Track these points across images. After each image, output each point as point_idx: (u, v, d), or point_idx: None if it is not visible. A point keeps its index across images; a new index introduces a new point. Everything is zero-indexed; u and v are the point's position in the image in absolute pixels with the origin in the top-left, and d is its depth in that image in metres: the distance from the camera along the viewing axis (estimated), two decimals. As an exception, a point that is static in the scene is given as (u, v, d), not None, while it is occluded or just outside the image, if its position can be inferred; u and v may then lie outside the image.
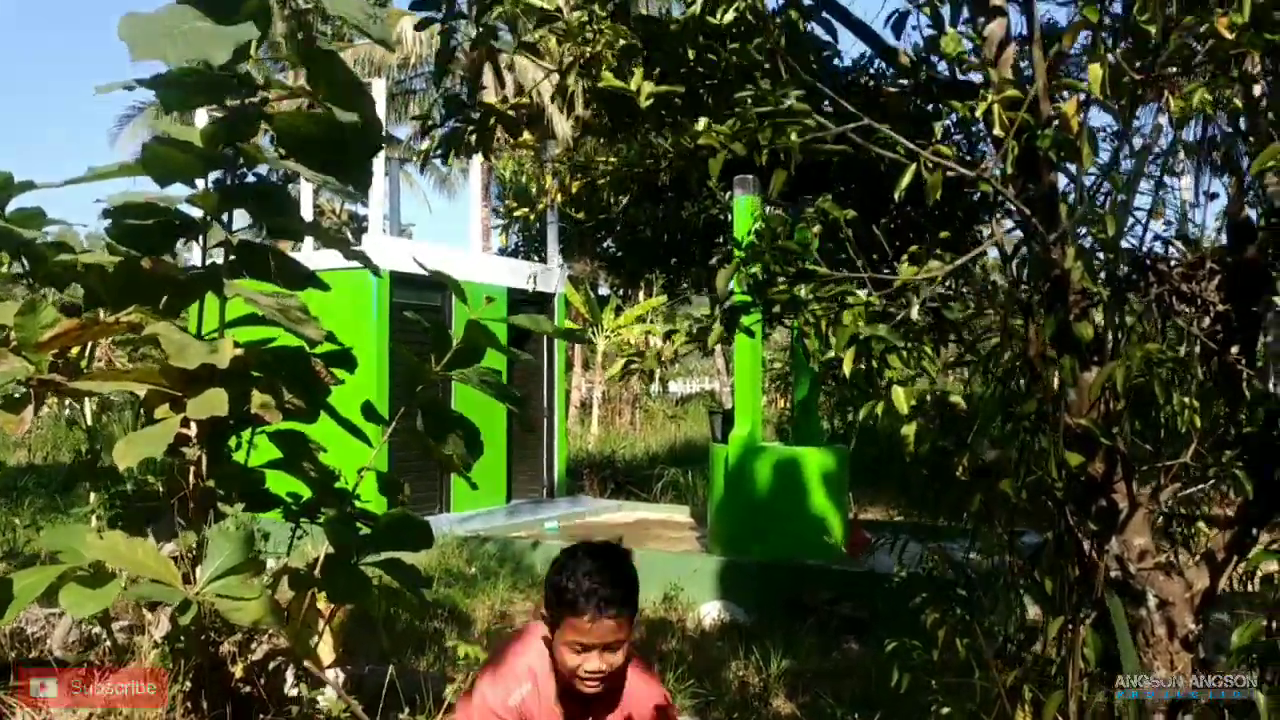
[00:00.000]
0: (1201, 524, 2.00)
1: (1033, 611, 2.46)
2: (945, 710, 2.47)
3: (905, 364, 1.92)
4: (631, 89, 2.10)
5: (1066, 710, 2.06)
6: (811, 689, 5.50)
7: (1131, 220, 2.34)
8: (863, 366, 1.96)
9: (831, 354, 1.88)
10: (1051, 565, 2.11)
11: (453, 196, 30.31)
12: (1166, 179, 2.48)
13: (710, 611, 7.37)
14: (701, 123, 1.83)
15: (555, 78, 2.82)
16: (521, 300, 11.72)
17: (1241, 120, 2.02)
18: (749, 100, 1.82)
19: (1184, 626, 1.94)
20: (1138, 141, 2.48)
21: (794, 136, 1.82)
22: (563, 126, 17.30)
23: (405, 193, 24.36)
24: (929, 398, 1.91)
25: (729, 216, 8.73)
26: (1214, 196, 2.43)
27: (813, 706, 5.16)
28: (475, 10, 2.62)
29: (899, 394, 1.90)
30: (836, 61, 2.56)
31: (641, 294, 24.52)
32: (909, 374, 1.92)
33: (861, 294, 1.91)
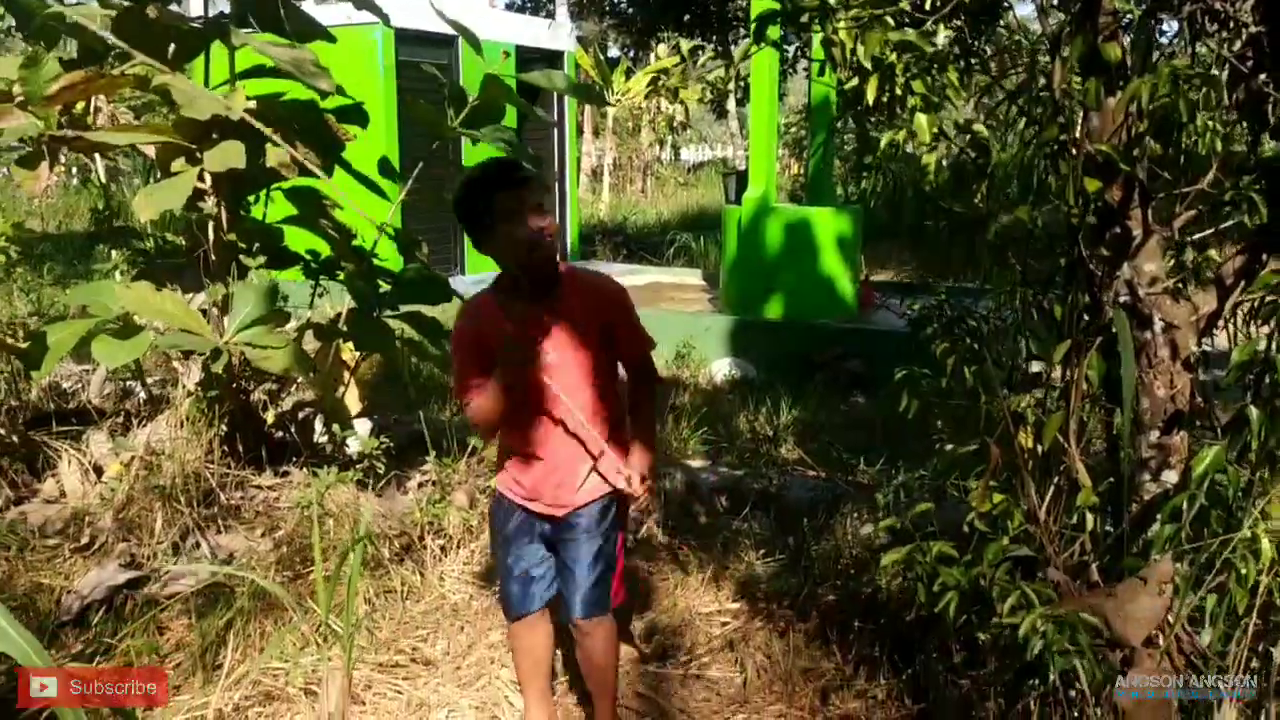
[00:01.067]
0: (1213, 252, 2.03)
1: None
2: (949, 446, 2.57)
3: (930, 90, 1.91)
4: None
5: (1067, 430, 2.17)
6: (819, 437, 5.73)
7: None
8: (887, 91, 1.94)
9: (854, 83, 1.86)
10: (1062, 292, 2.16)
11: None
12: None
13: (721, 368, 7.58)
14: None
15: None
16: (530, 59, 11.40)
17: None
18: None
19: (1186, 348, 2.01)
20: None
21: None
22: None
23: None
24: (953, 125, 1.91)
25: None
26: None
27: (820, 451, 5.38)
28: None
29: (921, 120, 1.89)
30: None
31: (653, 56, 23.77)
32: (933, 99, 1.91)
33: (890, 21, 1.87)
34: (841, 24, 1.81)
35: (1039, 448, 2.28)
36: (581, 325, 2.59)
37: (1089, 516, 2.16)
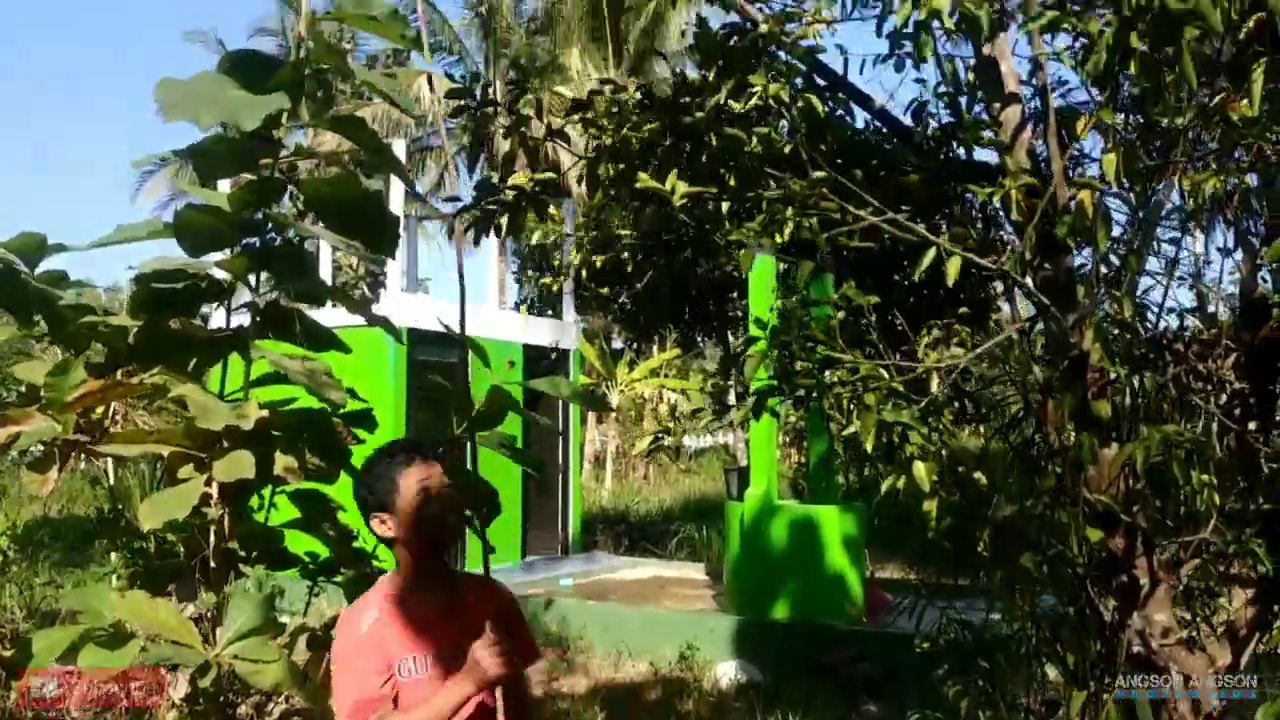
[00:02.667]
0: (1222, 600, 2.01)
1: (1053, 675, 2.46)
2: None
3: (926, 439, 1.95)
4: (666, 189, 2.17)
5: (1090, 786, 2.06)
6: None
7: (1148, 284, 2.38)
8: (884, 440, 1.99)
9: (852, 429, 1.92)
10: (1074, 639, 2.12)
11: (467, 251, 30.58)
12: (1180, 240, 2.52)
13: (727, 671, 7.33)
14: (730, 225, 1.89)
15: (575, 146, 2.90)
16: (537, 355, 11.79)
17: (1252, 200, 2.07)
18: (774, 200, 1.88)
19: (1208, 703, 1.95)
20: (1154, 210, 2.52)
21: (820, 231, 1.87)
22: (578, 189, 17.49)
23: (420, 246, 24.56)
24: (949, 474, 1.94)
25: (742, 274, 8.80)
26: (1229, 253, 2.46)
27: (831, 771, 5.11)
28: (508, 99, 2.70)
29: (920, 469, 1.93)
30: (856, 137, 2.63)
31: (655, 347, 24.59)
32: (930, 448, 1.95)
33: (884, 374, 1.95)
34: (841, 391, 1.88)
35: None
36: (484, 627, 2.44)
37: None
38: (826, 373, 1.89)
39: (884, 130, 2.52)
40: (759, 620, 7.96)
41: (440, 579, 2.51)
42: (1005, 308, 2.68)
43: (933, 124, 2.58)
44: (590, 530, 13.96)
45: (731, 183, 2.21)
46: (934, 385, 2.04)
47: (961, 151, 2.39)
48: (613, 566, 11.35)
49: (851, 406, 1.87)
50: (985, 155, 2.67)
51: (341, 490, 4.62)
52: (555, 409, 12.26)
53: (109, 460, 8.93)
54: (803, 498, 9.76)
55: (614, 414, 22.51)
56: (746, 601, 8.26)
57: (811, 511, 8.34)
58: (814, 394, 1.92)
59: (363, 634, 2.45)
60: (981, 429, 2.64)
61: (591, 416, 21.94)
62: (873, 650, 7.20)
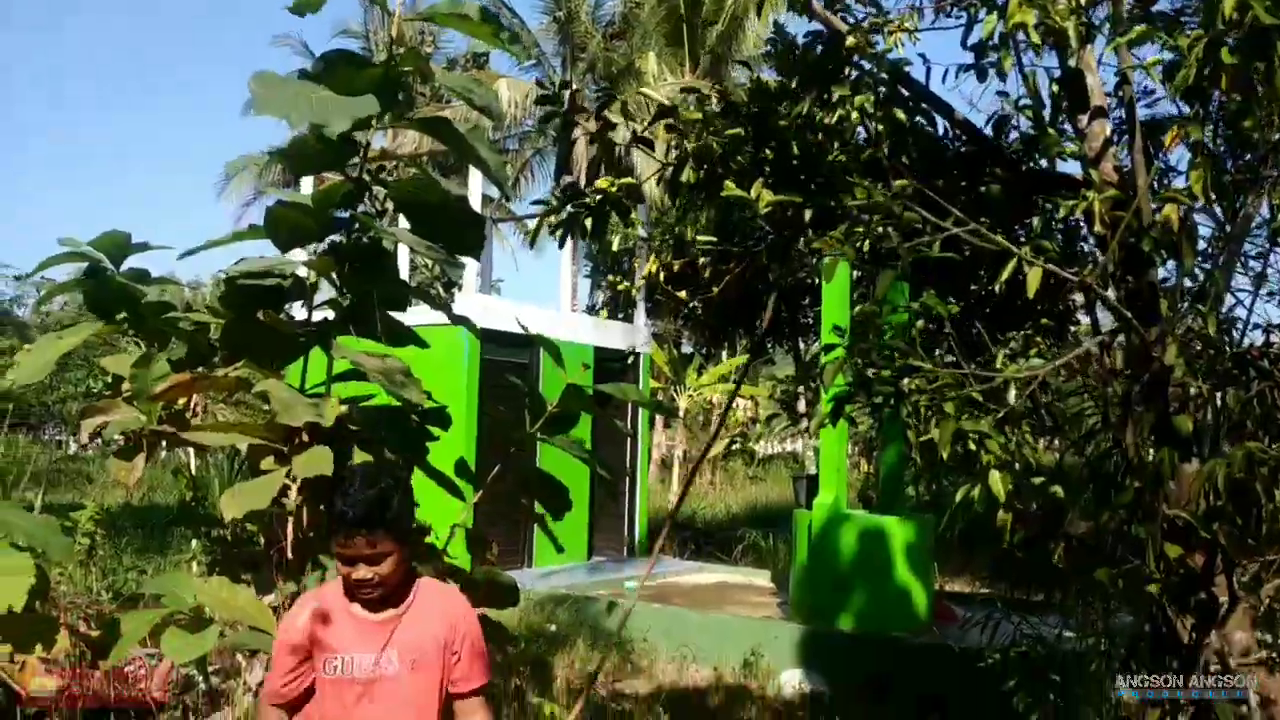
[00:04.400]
0: (1306, 622, 1.97)
1: (1125, 695, 2.43)
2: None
3: (1003, 450, 1.94)
4: (751, 197, 2.19)
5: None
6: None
7: (1233, 299, 2.34)
8: (960, 449, 1.98)
9: (930, 437, 1.91)
10: (1150, 657, 2.09)
11: (539, 253, 30.87)
12: (1267, 255, 2.47)
13: (791, 680, 7.30)
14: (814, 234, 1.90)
15: (656, 152, 2.94)
16: (608, 358, 11.86)
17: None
18: (858, 209, 1.89)
19: (1287, 726, 1.91)
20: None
21: (902, 241, 1.88)
22: (652, 194, 17.56)
23: (495, 249, 24.83)
24: (1025, 486, 1.93)
25: (815, 280, 8.76)
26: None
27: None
28: (594, 105, 2.75)
29: (996, 479, 1.92)
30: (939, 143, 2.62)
31: (724, 352, 24.54)
32: (1005, 458, 1.94)
33: (962, 383, 1.94)
34: (919, 400, 1.89)
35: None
36: (427, 643, 2.52)
37: None
38: (904, 380, 1.89)
39: (965, 139, 2.52)
40: (824, 629, 7.91)
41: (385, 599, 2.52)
42: (1085, 320, 2.66)
43: (1014, 135, 2.57)
44: (655, 534, 13.98)
45: (813, 190, 2.22)
46: (1011, 396, 2.03)
47: (1044, 163, 2.37)
48: (678, 570, 11.37)
49: (929, 414, 1.87)
50: (1066, 166, 2.65)
51: (416, 485, 4.71)
52: (623, 412, 12.33)
53: (191, 452, 9.22)
54: (871, 508, 9.67)
55: (682, 419, 22.52)
56: (812, 610, 8.22)
57: (880, 521, 8.27)
58: (891, 401, 1.93)
59: (298, 626, 2.54)
60: (1058, 442, 2.62)
61: (659, 422, 21.97)
62: (939, 664, 7.12)
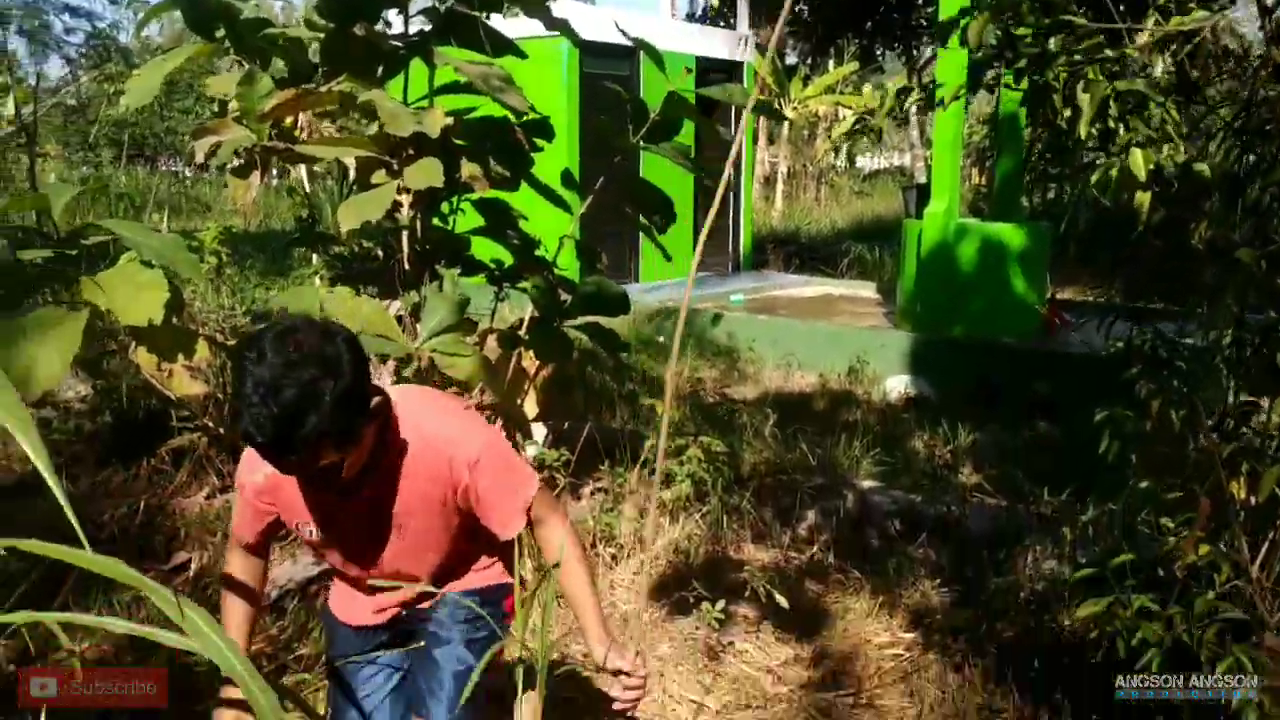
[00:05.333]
0: None
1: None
2: (1144, 484, 2.46)
3: (1147, 125, 1.81)
4: None
5: (1285, 485, 2.03)
6: (1000, 463, 5.54)
7: None
8: (1097, 130, 1.86)
9: (1070, 113, 1.79)
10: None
11: (634, -38, 29.29)
12: None
13: (896, 385, 7.42)
14: None
15: None
16: (709, 69, 11.45)
17: None
18: None
19: None
20: None
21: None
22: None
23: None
24: (1169, 164, 1.81)
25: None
26: None
27: (1000, 478, 5.20)
28: None
29: (1137, 156, 1.80)
30: None
31: (831, 63, 23.49)
32: (1150, 134, 1.81)
33: (1112, 42, 1.79)
34: (1062, 65, 1.75)
35: (1253, 499, 2.14)
36: (414, 503, 2.03)
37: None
38: (1051, 40, 1.74)
39: None
40: (933, 337, 7.93)
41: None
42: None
43: None
44: (760, 249, 13.99)
45: None
46: (1158, 69, 1.88)
47: None
48: (783, 283, 11.41)
49: (1075, 88, 1.74)
50: None
51: (523, 198, 4.73)
52: (727, 126, 12.02)
53: (304, 176, 9.39)
54: (984, 218, 9.43)
55: (785, 133, 21.93)
56: (921, 319, 8.22)
57: (993, 229, 8.08)
58: (1034, 66, 1.79)
59: (259, 479, 2.04)
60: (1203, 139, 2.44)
61: (761, 138, 21.42)
62: (1050, 369, 7.13)
